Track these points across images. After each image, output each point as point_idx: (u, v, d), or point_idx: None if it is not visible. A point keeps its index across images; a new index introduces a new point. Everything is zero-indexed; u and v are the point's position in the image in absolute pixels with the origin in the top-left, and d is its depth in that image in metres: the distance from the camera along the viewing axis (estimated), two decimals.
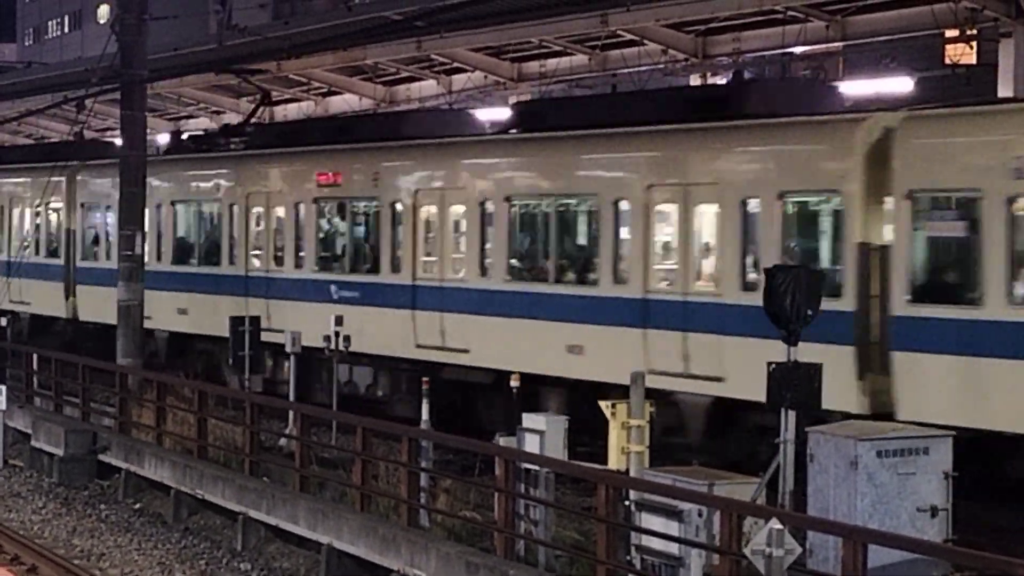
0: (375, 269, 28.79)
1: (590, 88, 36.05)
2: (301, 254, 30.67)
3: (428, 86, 38.84)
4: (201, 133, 40.34)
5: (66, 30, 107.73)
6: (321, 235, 30.58)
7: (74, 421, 29.64)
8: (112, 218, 35.24)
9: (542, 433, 18.04)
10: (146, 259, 31.43)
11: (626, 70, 33.61)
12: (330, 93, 41.80)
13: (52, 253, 39.73)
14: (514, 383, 22.63)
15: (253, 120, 35.42)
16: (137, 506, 25.55)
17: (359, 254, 29.65)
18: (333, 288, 29.55)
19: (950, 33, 28.80)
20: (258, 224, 32.13)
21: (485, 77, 36.48)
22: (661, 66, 32.56)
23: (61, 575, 20.54)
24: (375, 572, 19.41)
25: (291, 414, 25.58)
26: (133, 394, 28.97)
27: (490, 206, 26.10)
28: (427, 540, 18.55)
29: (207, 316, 32.71)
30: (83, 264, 38.45)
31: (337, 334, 26.48)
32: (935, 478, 16.74)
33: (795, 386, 16.55)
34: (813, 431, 17.09)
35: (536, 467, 17.78)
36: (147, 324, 31.49)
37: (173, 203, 34.90)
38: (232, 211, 32.62)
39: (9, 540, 22.50)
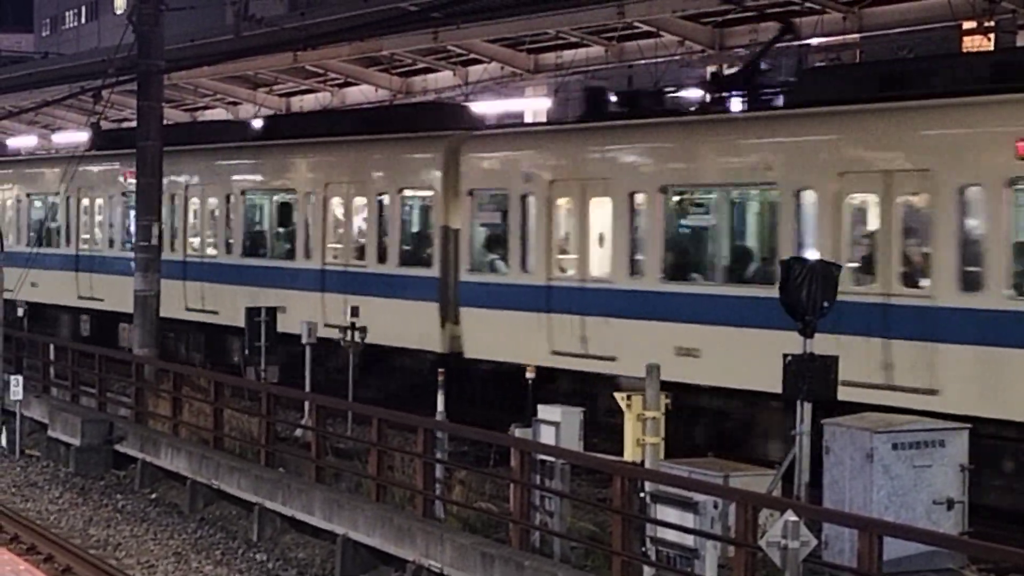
0: None
1: (606, 80, 36.04)
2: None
3: (444, 77, 38.81)
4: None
5: (83, 21, 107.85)
6: None
7: (90, 411, 29.72)
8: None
9: (557, 424, 18.05)
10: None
11: (642, 61, 33.59)
12: (346, 84, 41.79)
13: None
14: (529, 375, 22.62)
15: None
16: (153, 496, 25.60)
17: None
18: None
19: (967, 25, 28.73)
20: None
21: (501, 68, 36.45)
22: (677, 58, 32.53)
23: (77, 564, 20.58)
24: (390, 563, 19.44)
25: (307, 405, 25.61)
26: (149, 384, 29.02)
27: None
28: (442, 531, 18.57)
29: None
30: None
31: (352, 325, 26.51)
32: (951, 470, 16.74)
33: (811, 378, 16.54)
34: (829, 424, 17.09)
35: (551, 458, 17.78)
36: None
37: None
38: None
39: (26, 529, 22.56)
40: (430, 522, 19.15)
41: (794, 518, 13.59)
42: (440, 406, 22.21)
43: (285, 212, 32.51)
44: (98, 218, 39.33)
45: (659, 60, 32.88)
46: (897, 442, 16.53)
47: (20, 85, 50.22)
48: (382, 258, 29.31)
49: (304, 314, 28.98)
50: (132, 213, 33.60)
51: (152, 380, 29.10)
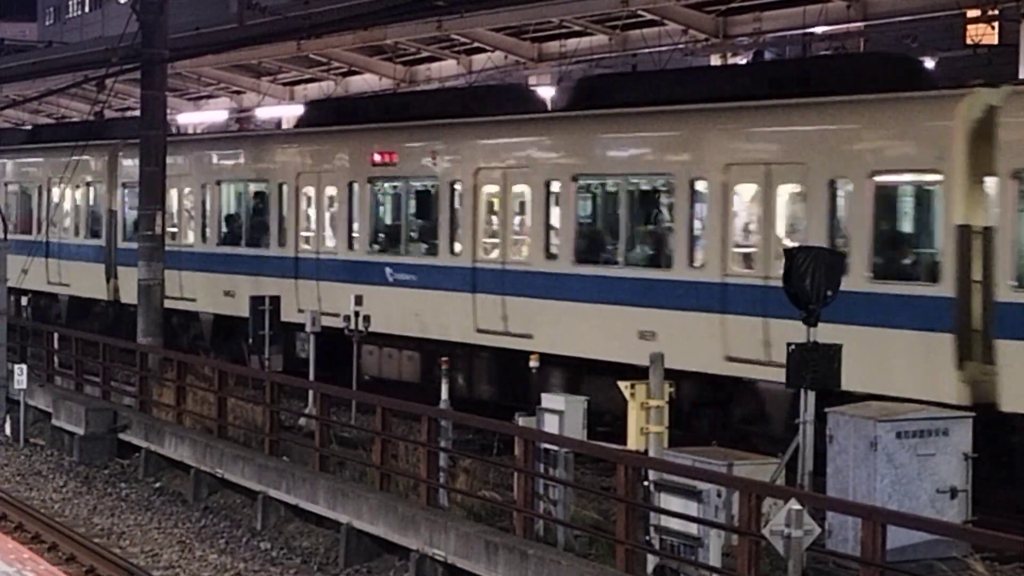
0: None
1: (609, 68, 35.99)
2: None
3: (448, 66, 38.77)
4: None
5: (87, 9, 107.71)
6: None
7: (95, 400, 29.74)
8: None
9: (561, 413, 18.05)
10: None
11: (646, 50, 33.51)
12: (350, 73, 41.74)
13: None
14: (533, 363, 22.62)
15: None
16: (157, 485, 25.62)
17: None
18: None
19: (972, 13, 28.67)
20: None
21: (505, 57, 36.38)
22: (681, 46, 32.47)
23: (82, 553, 20.60)
24: (394, 551, 19.45)
25: (311, 394, 25.62)
26: (153, 373, 29.04)
27: None
28: (446, 520, 18.58)
29: None
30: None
31: (357, 314, 26.50)
32: (955, 459, 16.75)
33: (815, 366, 16.54)
34: (833, 412, 17.10)
35: (555, 447, 17.79)
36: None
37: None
38: None
39: (30, 518, 22.59)
40: (434, 511, 19.17)
41: (798, 506, 13.60)
42: (444, 394, 22.21)
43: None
44: (331, 211, 30.77)
45: (663, 48, 32.82)
46: (901, 431, 16.54)
47: (24, 74, 50.15)
48: None
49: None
50: (389, 203, 29.80)
51: (156, 369, 29.12)
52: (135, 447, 27.17)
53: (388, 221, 29.71)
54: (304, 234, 31.07)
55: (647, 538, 16.55)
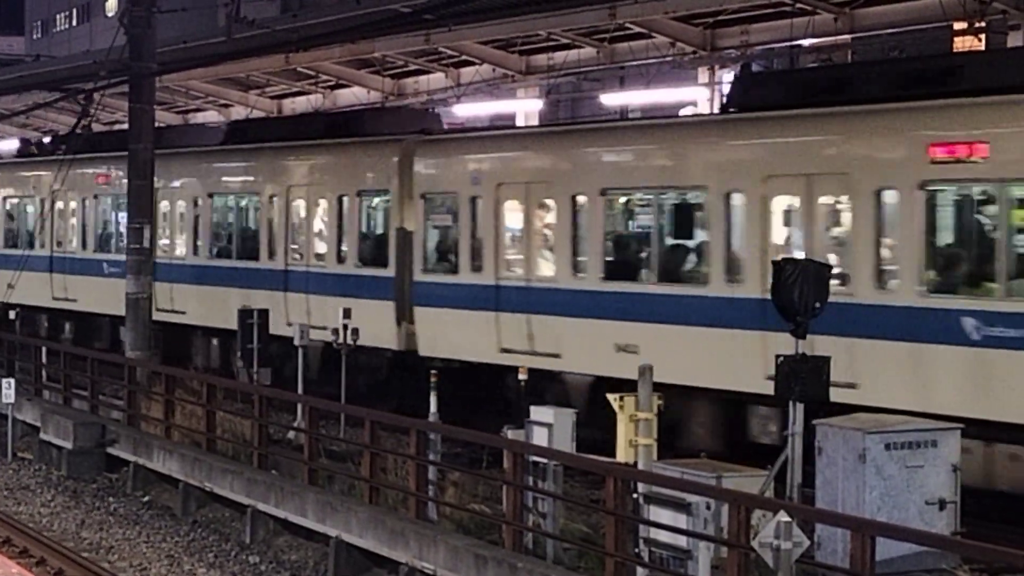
0: None
1: (598, 81, 36.04)
2: None
3: (436, 79, 38.82)
4: None
5: (74, 23, 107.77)
6: None
7: (83, 414, 29.68)
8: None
9: (550, 426, 18.05)
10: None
11: (634, 63, 33.57)
12: (338, 86, 41.78)
13: None
14: (522, 376, 22.61)
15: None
16: (146, 499, 25.58)
17: None
18: None
19: (958, 25, 28.71)
20: None
21: (493, 70, 36.44)
22: (669, 59, 32.53)
23: (70, 568, 20.57)
24: (383, 565, 19.43)
25: (299, 407, 25.60)
26: (142, 387, 29.00)
27: None
28: (435, 533, 18.57)
29: None
30: None
31: (345, 327, 26.49)
32: (943, 471, 16.74)
33: (803, 378, 16.54)
34: (821, 424, 17.10)
35: (544, 460, 17.79)
36: None
37: None
38: None
39: (18, 533, 22.55)
40: (423, 524, 19.16)
41: (787, 519, 13.60)
42: (433, 407, 22.20)
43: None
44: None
45: (651, 61, 32.88)
46: (890, 442, 16.54)
47: (11, 88, 50.11)
48: None
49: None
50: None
51: (144, 383, 29.08)
52: (123, 461, 27.12)
53: None
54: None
55: (636, 550, 16.54)
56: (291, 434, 26.26)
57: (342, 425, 26.66)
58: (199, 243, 34.96)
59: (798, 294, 16.73)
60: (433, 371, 23.00)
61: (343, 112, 37.93)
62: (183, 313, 34.69)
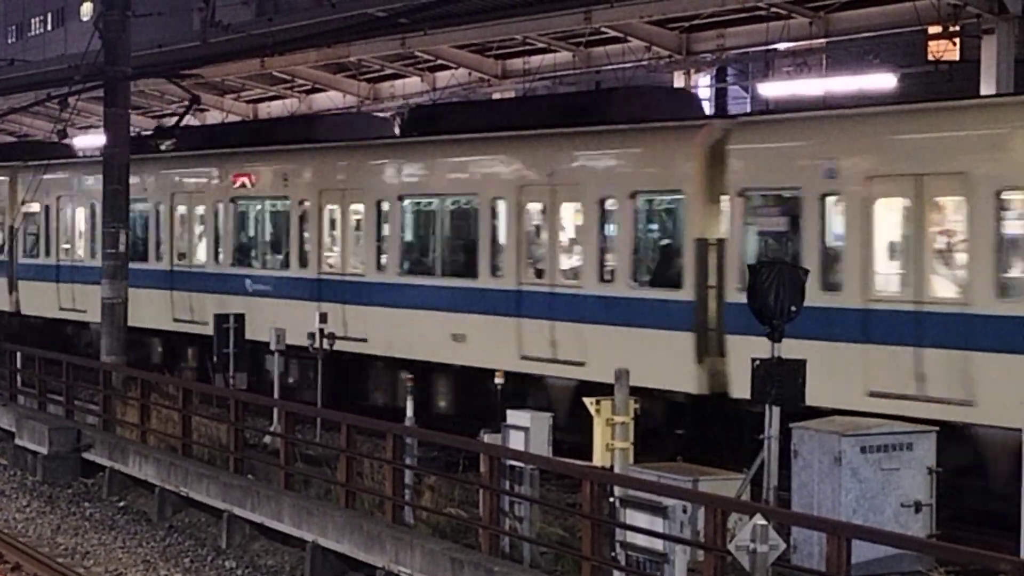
0: None
1: (573, 85, 36.06)
2: None
3: (412, 83, 38.83)
4: None
5: (49, 28, 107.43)
6: None
7: (58, 419, 29.58)
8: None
9: (527, 429, 18.05)
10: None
11: (610, 67, 33.62)
12: (314, 90, 41.75)
13: None
14: (498, 380, 22.61)
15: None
16: (121, 504, 25.51)
17: None
18: None
19: (933, 30, 28.83)
20: None
21: (469, 74, 36.46)
22: (645, 63, 32.57)
23: (45, 573, 20.50)
24: (360, 569, 19.42)
25: (276, 411, 25.55)
26: (117, 392, 28.92)
27: None
28: (412, 537, 18.55)
29: None
30: None
31: (321, 331, 26.45)
32: (919, 473, 16.81)
33: (779, 382, 16.58)
34: (797, 427, 17.14)
35: (521, 463, 17.79)
36: None
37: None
38: None
39: None
40: (399, 528, 19.14)
41: (763, 522, 13.63)
42: (409, 411, 22.18)
43: None
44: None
45: (627, 66, 32.93)
46: (865, 445, 16.60)
47: None
48: None
49: None
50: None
51: (120, 387, 29.00)
52: (99, 466, 27.05)
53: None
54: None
55: (613, 554, 16.55)
56: (267, 438, 26.22)
57: (318, 430, 26.65)
58: (383, 258, 28.66)
59: (773, 297, 16.78)
60: (409, 375, 22.94)
61: (575, 95, 32.84)
62: (364, 341, 28.67)
